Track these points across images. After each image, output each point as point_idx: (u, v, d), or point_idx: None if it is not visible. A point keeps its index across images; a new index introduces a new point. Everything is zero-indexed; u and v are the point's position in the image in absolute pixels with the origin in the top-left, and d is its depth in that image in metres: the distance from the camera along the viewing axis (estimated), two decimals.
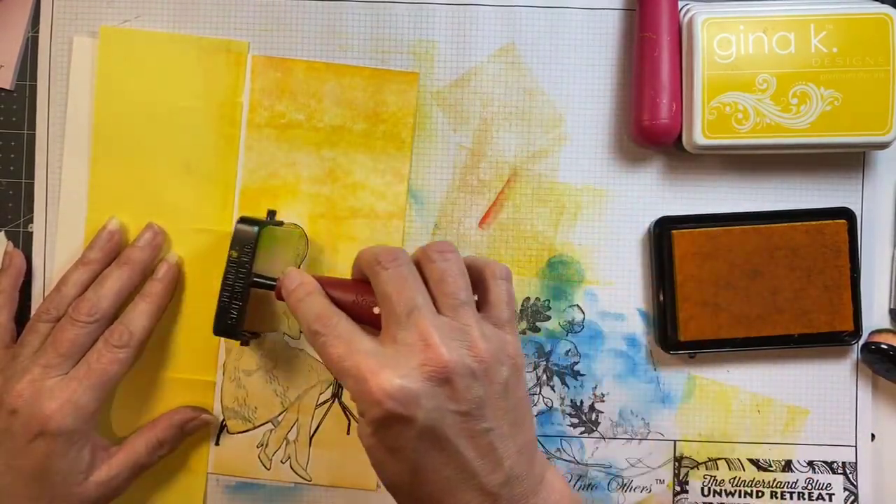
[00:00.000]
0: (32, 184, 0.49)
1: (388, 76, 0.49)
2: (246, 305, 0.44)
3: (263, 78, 0.49)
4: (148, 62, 0.48)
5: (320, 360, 0.39)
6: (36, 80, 0.49)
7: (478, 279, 0.40)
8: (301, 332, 0.49)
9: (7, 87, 0.49)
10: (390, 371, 0.34)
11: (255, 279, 0.44)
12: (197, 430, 0.48)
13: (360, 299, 0.40)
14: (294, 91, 0.49)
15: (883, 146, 0.46)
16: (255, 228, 0.44)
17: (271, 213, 0.48)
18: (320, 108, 0.49)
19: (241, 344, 0.47)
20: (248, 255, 0.43)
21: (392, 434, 0.35)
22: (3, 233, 0.49)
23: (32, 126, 0.49)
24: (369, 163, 0.49)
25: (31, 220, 0.49)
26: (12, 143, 0.49)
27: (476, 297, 0.39)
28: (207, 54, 0.49)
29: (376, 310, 0.39)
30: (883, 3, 0.47)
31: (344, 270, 0.49)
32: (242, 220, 0.44)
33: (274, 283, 0.43)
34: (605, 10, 0.49)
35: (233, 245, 0.44)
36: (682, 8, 0.47)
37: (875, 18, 0.45)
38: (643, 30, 0.47)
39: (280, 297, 0.42)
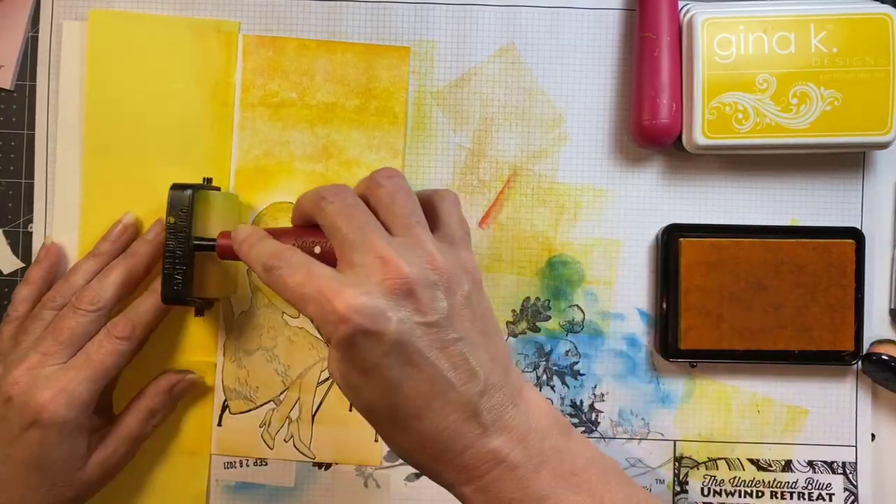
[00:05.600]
0: (32, 184, 0.49)
1: (380, 51, 0.49)
2: (191, 270, 0.44)
3: (255, 57, 0.49)
4: (138, 45, 0.48)
5: (291, 313, 0.40)
6: (35, 80, 0.49)
7: (427, 204, 0.39)
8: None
9: (7, 87, 0.49)
10: (353, 289, 0.34)
11: (196, 242, 0.44)
12: (185, 392, 0.48)
13: (299, 242, 0.40)
14: (286, 69, 0.49)
15: (883, 146, 0.46)
16: (189, 192, 0.44)
17: (207, 180, 0.47)
18: (313, 85, 0.49)
19: (196, 314, 0.46)
20: (185, 219, 0.43)
21: (362, 353, 0.34)
22: (2, 232, 0.49)
23: (32, 126, 0.49)
24: (363, 139, 0.49)
25: (30, 220, 0.49)
26: (12, 143, 0.49)
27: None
28: (198, 35, 0.49)
29: (317, 249, 0.39)
30: (883, 3, 0.47)
31: None
32: (175, 186, 0.44)
33: (214, 244, 0.43)
34: (605, 10, 0.49)
35: (169, 211, 0.44)
36: (682, 8, 0.47)
37: (875, 18, 0.45)
38: (643, 30, 0.47)
39: (224, 256, 0.42)
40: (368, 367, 0.34)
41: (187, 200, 0.44)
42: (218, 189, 0.47)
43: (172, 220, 0.43)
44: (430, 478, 0.37)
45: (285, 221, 0.49)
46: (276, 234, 0.40)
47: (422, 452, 0.36)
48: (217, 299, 0.48)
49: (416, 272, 0.35)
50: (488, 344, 0.36)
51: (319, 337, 0.49)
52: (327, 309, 0.34)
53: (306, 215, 0.39)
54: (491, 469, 0.35)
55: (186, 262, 0.44)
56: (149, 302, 0.45)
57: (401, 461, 0.49)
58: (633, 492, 0.37)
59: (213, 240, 0.43)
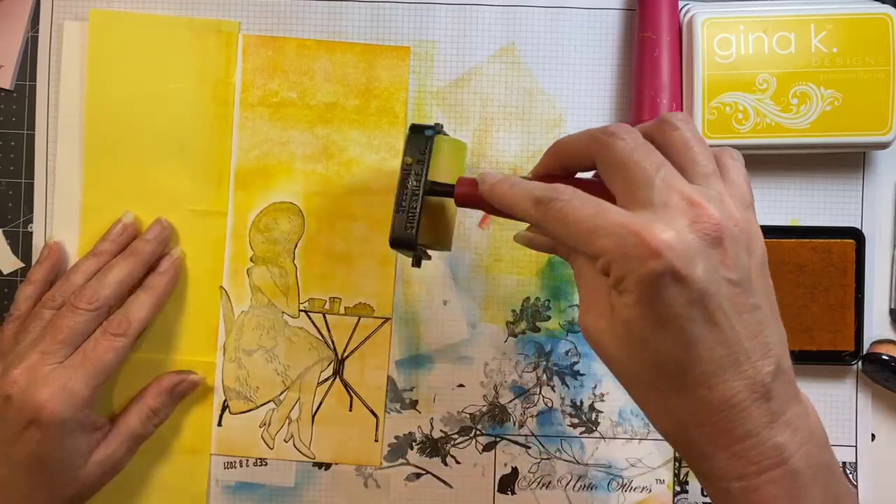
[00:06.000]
0: (32, 184, 0.49)
1: (380, 51, 0.49)
2: (422, 215, 0.41)
3: (255, 57, 0.49)
4: (139, 44, 0.48)
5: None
6: (35, 80, 0.49)
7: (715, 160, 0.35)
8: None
9: (7, 87, 0.49)
10: (664, 224, 0.30)
11: (434, 185, 0.41)
12: (186, 392, 0.48)
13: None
14: (286, 69, 0.49)
15: (883, 146, 0.46)
16: (430, 132, 0.42)
17: (438, 125, 0.43)
18: (313, 85, 0.49)
19: (413, 264, 0.43)
20: (424, 160, 0.41)
21: (664, 298, 0.30)
22: (2, 232, 0.49)
23: (32, 126, 0.49)
24: (363, 139, 0.49)
25: (30, 220, 0.49)
26: (12, 143, 0.49)
27: None
28: (198, 35, 0.49)
29: None
30: (883, 3, 0.47)
31: (342, 249, 0.49)
32: (414, 128, 0.42)
33: (452, 188, 0.40)
34: (605, 10, 0.49)
35: (407, 151, 0.41)
36: (682, 8, 0.47)
37: (875, 18, 0.45)
38: (643, 30, 0.47)
39: (462, 203, 0.39)
40: (667, 317, 0.30)
41: (426, 143, 0.41)
42: (447, 135, 0.44)
43: (410, 160, 0.41)
44: (691, 463, 0.33)
45: (285, 221, 0.49)
46: (536, 180, 0.36)
47: (699, 428, 0.31)
48: (432, 251, 0.44)
49: (725, 220, 0.31)
50: (779, 322, 0.32)
51: (319, 337, 0.49)
52: (632, 242, 0.30)
53: (575, 154, 0.35)
54: (770, 468, 0.31)
55: (420, 205, 0.41)
56: (144, 298, 0.46)
57: (401, 461, 0.49)
58: None
59: (451, 185, 0.40)
